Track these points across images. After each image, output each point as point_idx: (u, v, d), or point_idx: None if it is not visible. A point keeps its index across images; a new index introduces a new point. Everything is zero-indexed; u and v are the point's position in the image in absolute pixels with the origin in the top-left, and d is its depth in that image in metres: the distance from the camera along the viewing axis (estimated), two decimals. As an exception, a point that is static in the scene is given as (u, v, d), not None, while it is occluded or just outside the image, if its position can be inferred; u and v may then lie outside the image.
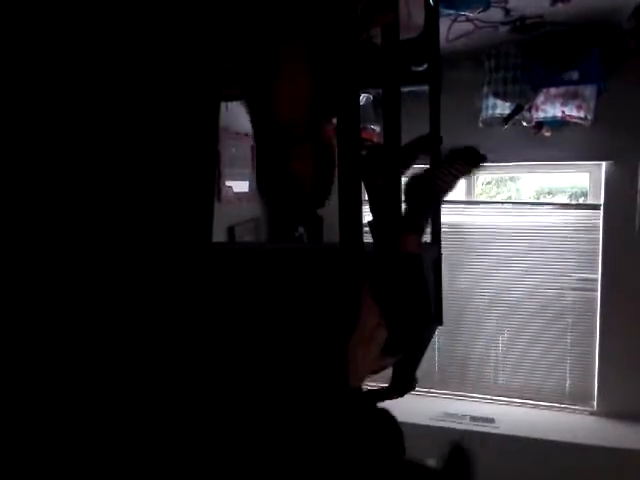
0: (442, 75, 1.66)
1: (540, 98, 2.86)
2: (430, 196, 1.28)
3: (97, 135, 0.50)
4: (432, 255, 1.49)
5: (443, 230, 1.61)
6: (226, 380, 0.63)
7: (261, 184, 0.92)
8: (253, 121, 0.87)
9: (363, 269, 0.81)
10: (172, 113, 0.57)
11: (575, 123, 2.89)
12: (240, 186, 2.87)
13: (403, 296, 1.04)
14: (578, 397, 3.36)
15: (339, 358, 0.74)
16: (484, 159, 1.37)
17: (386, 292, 0.94)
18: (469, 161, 1.33)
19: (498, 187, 3.91)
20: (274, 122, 0.81)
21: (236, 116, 2.34)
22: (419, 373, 1.60)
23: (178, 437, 0.54)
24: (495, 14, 2.45)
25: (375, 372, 0.99)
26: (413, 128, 1.79)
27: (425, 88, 1.62)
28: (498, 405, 3.47)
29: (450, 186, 1.32)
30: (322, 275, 0.89)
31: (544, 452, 3.06)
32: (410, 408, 3.39)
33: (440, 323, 1.58)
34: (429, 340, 1.49)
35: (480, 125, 3.11)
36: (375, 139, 2.94)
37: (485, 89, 2.97)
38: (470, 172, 1.35)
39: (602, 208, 3.19)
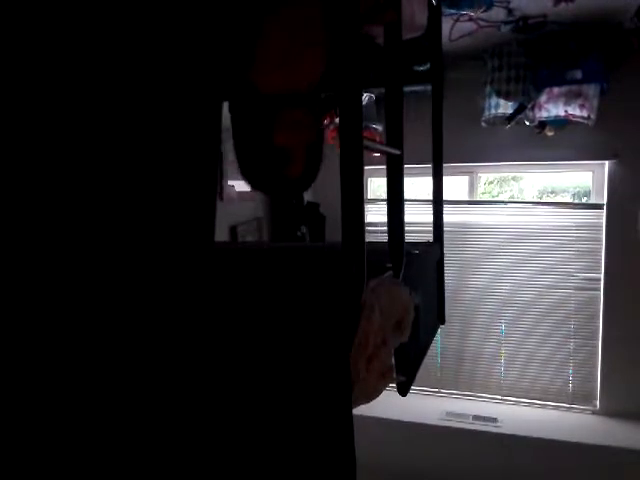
0: (444, 75, 1.65)
1: (543, 97, 2.86)
2: None
3: (98, 133, 0.50)
4: (434, 255, 1.49)
5: (445, 229, 1.60)
6: (227, 380, 0.63)
7: (243, 161, 0.86)
8: (231, 89, 0.79)
9: (365, 269, 0.81)
10: (174, 112, 0.57)
11: (578, 122, 2.88)
12: (243, 185, 2.87)
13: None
14: (580, 397, 3.36)
15: (341, 357, 0.74)
16: None
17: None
18: None
19: (501, 186, 3.91)
20: (260, 89, 0.75)
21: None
22: (421, 373, 1.60)
23: (178, 437, 0.54)
24: (498, 13, 2.44)
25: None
26: (416, 128, 1.80)
27: (428, 88, 1.62)
28: (500, 404, 3.47)
29: None
30: (324, 274, 0.89)
31: (546, 451, 3.05)
32: (413, 407, 3.40)
33: (442, 322, 1.57)
34: (431, 341, 1.48)
35: (483, 124, 3.10)
36: (378, 138, 2.93)
37: (488, 88, 2.97)
38: None
39: (605, 207, 3.18)
